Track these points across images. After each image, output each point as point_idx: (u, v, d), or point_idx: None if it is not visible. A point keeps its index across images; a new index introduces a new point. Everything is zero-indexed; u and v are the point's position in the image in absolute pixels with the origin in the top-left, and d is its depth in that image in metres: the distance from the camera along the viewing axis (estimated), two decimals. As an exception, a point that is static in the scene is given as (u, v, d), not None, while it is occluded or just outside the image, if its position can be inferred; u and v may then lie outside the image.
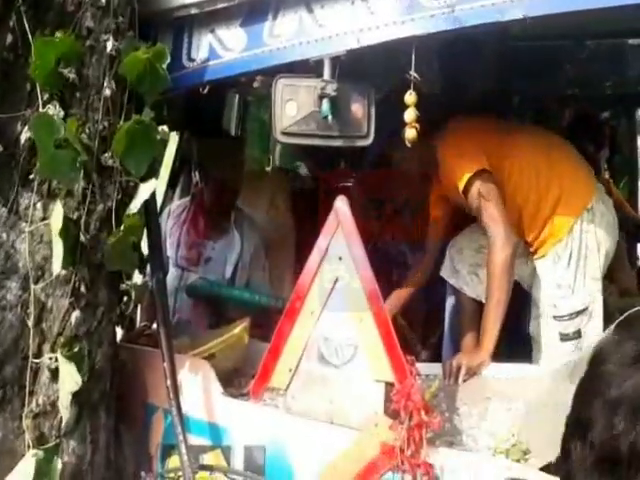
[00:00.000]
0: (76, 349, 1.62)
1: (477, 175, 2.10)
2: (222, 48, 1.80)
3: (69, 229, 1.61)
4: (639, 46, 2.91)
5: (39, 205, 1.68)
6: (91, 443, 1.70)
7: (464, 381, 1.99)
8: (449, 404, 1.88)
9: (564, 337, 2.12)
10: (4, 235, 1.69)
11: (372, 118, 1.65)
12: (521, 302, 2.31)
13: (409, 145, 1.62)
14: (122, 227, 1.66)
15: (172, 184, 3.07)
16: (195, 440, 1.73)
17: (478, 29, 1.56)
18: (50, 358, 1.63)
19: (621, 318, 1.41)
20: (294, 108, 1.64)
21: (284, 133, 1.67)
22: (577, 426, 0.73)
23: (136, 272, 1.87)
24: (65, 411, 1.61)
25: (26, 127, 1.66)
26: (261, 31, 1.74)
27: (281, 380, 1.70)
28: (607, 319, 2.13)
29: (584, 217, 2.15)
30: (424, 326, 2.94)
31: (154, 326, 2.09)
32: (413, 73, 1.59)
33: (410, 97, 1.61)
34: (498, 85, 2.84)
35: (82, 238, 1.66)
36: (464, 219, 2.39)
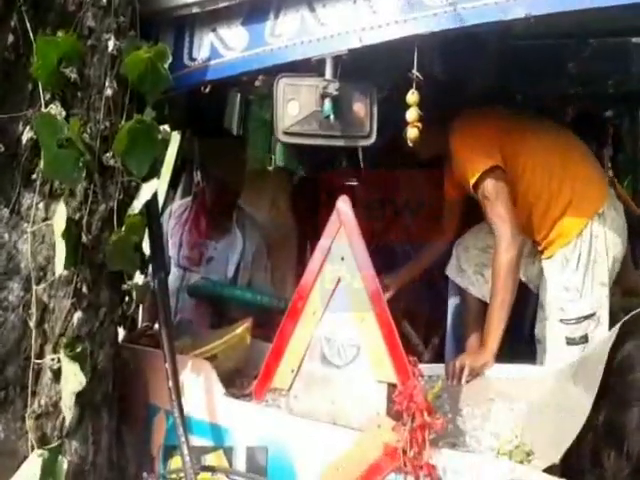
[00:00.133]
0: (78, 350, 1.62)
1: (489, 172, 2.09)
2: (224, 47, 1.80)
3: (71, 229, 1.61)
4: (643, 44, 2.89)
5: (41, 205, 1.68)
6: (93, 444, 1.71)
7: (467, 382, 1.98)
8: (452, 405, 1.87)
9: (570, 341, 2.11)
10: (6, 236, 1.69)
11: (374, 117, 1.65)
12: (525, 303, 2.30)
13: (411, 144, 1.62)
14: (124, 227, 1.66)
15: (174, 184, 3.07)
16: (197, 441, 1.73)
17: (480, 28, 1.56)
18: (52, 359, 1.63)
19: (626, 318, 1.40)
20: (296, 108, 1.64)
21: (286, 133, 1.67)
22: (610, 435, 0.72)
23: (137, 272, 1.86)
24: (68, 411, 1.60)
25: (28, 127, 1.66)
26: (263, 30, 1.74)
27: (283, 381, 1.70)
28: (611, 319, 2.12)
29: (595, 221, 2.13)
30: (427, 327, 2.93)
31: (156, 326, 2.08)
32: (415, 72, 1.58)
33: (412, 96, 1.61)
34: (500, 83, 2.83)
35: (84, 238, 1.66)
36: (473, 217, 2.38)
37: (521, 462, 1.54)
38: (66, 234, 1.58)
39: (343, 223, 1.64)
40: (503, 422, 1.75)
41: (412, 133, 1.62)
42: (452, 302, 2.61)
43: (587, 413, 1.34)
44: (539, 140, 2.21)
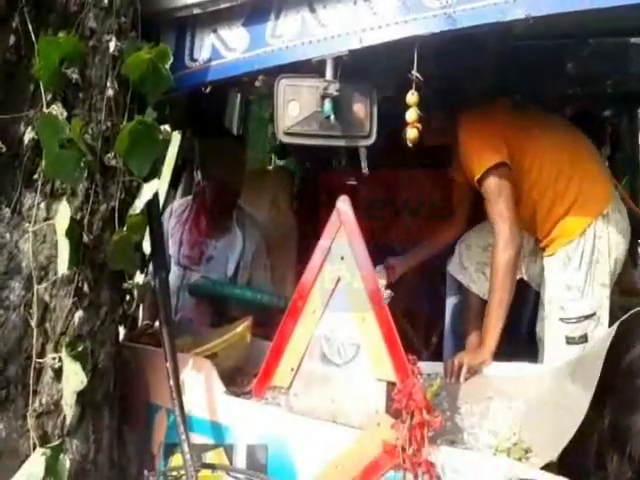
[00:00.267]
0: (79, 349, 1.62)
1: (495, 168, 2.08)
2: (225, 48, 1.80)
3: (73, 229, 1.62)
4: (641, 44, 2.90)
5: (42, 205, 1.68)
6: (94, 442, 1.71)
7: (466, 380, 1.99)
8: (451, 403, 1.88)
9: (570, 340, 2.11)
10: (7, 235, 1.69)
11: (374, 118, 1.66)
12: (524, 301, 2.31)
13: (410, 145, 1.63)
14: (125, 227, 1.66)
15: (174, 183, 3.07)
16: (197, 439, 1.74)
17: (480, 29, 1.56)
18: (53, 358, 1.63)
19: (625, 317, 1.41)
20: (296, 108, 1.65)
21: (286, 133, 1.68)
22: (614, 437, 0.72)
23: (138, 272, 1.87)
24: (69, 410, 1.61)
25: (29, 128, 1.67)
26: (263, 31, 1.74)
27: (283, 379, 1.71)
28: (610, 318, 2.13)
29: (598, 222, 2.13)
30: (426, 325, 2.94)
31: (156, 325, 2.09)
32: (415, 73, 1.59)
33: (412, 97, 1.62)
34: (499, 83, 2.83)
35: (85, 238, 1.66)
36: (477, 215, 2.38)
37: (519, 460, 1.55)
38: (69, 233, 1.58)
39: (343, 223, 1.65)
40: (501, 420, 1.76)
41: (412, 134, 1.62)
42: (450, 301, 2.62)
43: (585, 411, 1.35)
44: (548, 137, 2.19)
